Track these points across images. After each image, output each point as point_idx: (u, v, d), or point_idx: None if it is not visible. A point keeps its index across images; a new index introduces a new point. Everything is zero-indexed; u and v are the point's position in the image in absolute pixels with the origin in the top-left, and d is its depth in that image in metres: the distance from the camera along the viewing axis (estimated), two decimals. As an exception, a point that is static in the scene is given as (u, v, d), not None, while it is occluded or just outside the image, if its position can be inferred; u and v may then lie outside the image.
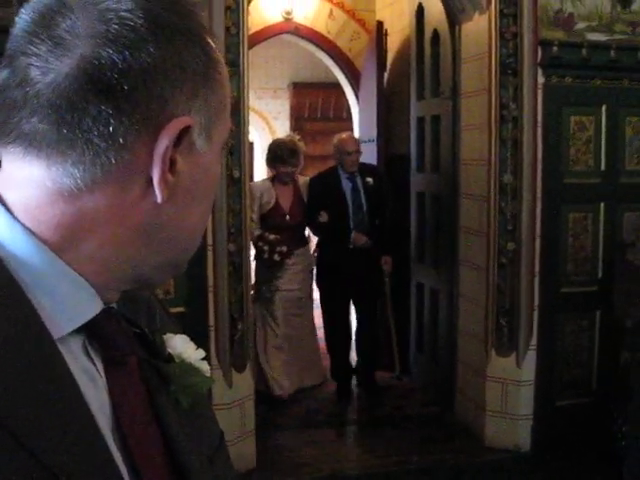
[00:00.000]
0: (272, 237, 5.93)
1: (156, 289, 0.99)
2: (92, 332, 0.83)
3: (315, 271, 6.41)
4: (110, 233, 0.81)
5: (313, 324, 6.46)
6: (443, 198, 5.82)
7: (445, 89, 5.69)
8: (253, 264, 5.74)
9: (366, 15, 8.07)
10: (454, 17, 5.42)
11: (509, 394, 5.06)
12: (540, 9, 4.82)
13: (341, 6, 8.09)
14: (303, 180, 6.38)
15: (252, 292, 5.62)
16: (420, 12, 6.15)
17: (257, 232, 5.99)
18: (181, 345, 0.98)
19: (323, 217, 6.05)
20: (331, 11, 8.08)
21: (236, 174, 4.53)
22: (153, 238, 0.84)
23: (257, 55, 10.20)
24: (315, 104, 16.63)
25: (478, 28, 5.10)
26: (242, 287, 4.67)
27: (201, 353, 0.99)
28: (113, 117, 0.75)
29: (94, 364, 0.83)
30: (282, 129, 17.33)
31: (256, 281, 5.95)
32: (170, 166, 0.80)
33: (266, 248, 5.92)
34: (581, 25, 4.95)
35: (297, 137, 6.43)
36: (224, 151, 4.44)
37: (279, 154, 6.09)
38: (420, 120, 6.28)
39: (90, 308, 0.82)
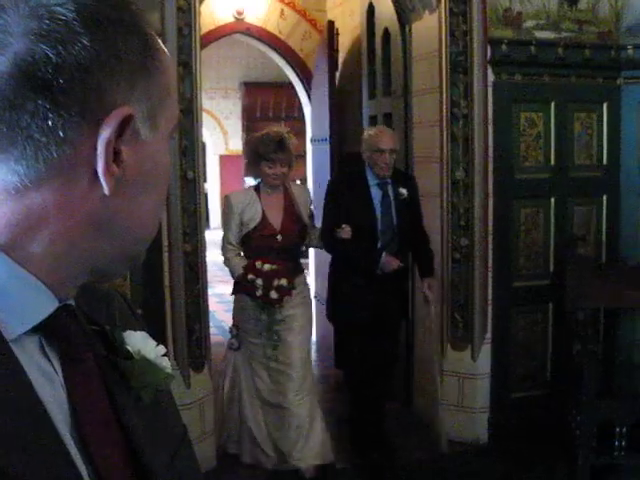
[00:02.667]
0: (267, 267, 4.47)
1: (114, 280, 0.98)
2: (48, 330, 0.82)
3: (326, 303, 5.12)
4: (60, 228, 0.80)
5: (312, 377, 4.92)
6: (397, 195, 5.85)
7: (396, 87, 5.73)
8: (230, 299, 4.90)
9: (317, 15, 8.10)
10: (404, 16, 5.47)
11: (465, 388, 5.12)
12: (489, 8, 4.89)
13: (292, 6, 8.10)
14: (297, 187, 4.99)
15: (231, 336, 4.78)
16: (371, 11, 6.18)
17: (237, 259, 4.68)
18: (141, 342, 0.97)
19: (345, 232, 4.71)
20: (282, 11, 8.09)
21: (190, 175, 4.52)
22: (105, 230, 0.83)
23: (208, 55, 10.16)
24: (267, 104, 16.63)
25: (428, 27, 5.15)
26: (198, 288, 4.66)
27: (162, 349, 0.99)
28: (51, 112, 0.75)
29: (51, 363, 0.83)
30: (234, 129, 17.34)
31: (235, 324, 4.78)
32: (115, 157, 0.80)
33: (260, 283, 4.43)
34: (529, 23, 5.03)
35: (286, 130, 4.86)
36: (178, 152, 4.43)
37: (262, 150, 4.59)
38: (372, 119, 6.31)
39: (44, 307, 0.82)
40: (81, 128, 0.77)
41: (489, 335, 5.13)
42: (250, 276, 4.47)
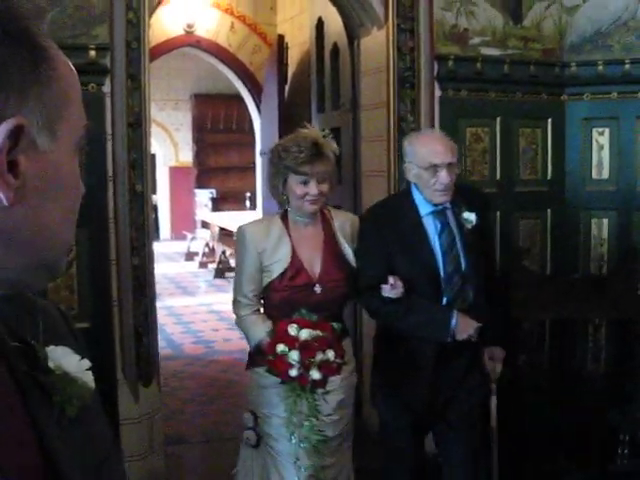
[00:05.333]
0: (307, 334, 3.00)
1: (35, 291, 0.97)
2: None
3: (370, 386, 3.75)
4: None
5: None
6: (345, 209, 5.87)
7: (345, 102, 5.77)
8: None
9: (267, 29, 8.15)
10: (353, 31, 5.52)
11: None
12: (436, 25, 4.96)
13: (242, 20, 8.14)
14: (341, 215, 3.59)
15: (246, 427, 3.45)
16: (320, 26, 6.23)
17: (257, 318, 3.37)
18: (62, 356, 0.96)
19: (395, 288, 3.26)
20: (232, 24, 8.12)
21: (139, 188, 4.49)
22: (10, 241, 0.82)
23: (158, 67, 10.15)
24: (217, 116, 16.63)
25: (376, 42, 5.20)
26: (147, 301, 4.63)
27: (86, 363, 0.98)
28: None
29: None
30: (184, 140, 17.29)
31: (251, 410, 3.42)
32: (13, 167, 0.79)
33: (295, 358, 2.98)
34: (476, 40, 5.11)
35: (322, 132, 3.43)
36: (127, 164, 4.41)
37: (290, 161, 3.23)
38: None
39: None
40: None
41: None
42: (280, 347, 3.02)
